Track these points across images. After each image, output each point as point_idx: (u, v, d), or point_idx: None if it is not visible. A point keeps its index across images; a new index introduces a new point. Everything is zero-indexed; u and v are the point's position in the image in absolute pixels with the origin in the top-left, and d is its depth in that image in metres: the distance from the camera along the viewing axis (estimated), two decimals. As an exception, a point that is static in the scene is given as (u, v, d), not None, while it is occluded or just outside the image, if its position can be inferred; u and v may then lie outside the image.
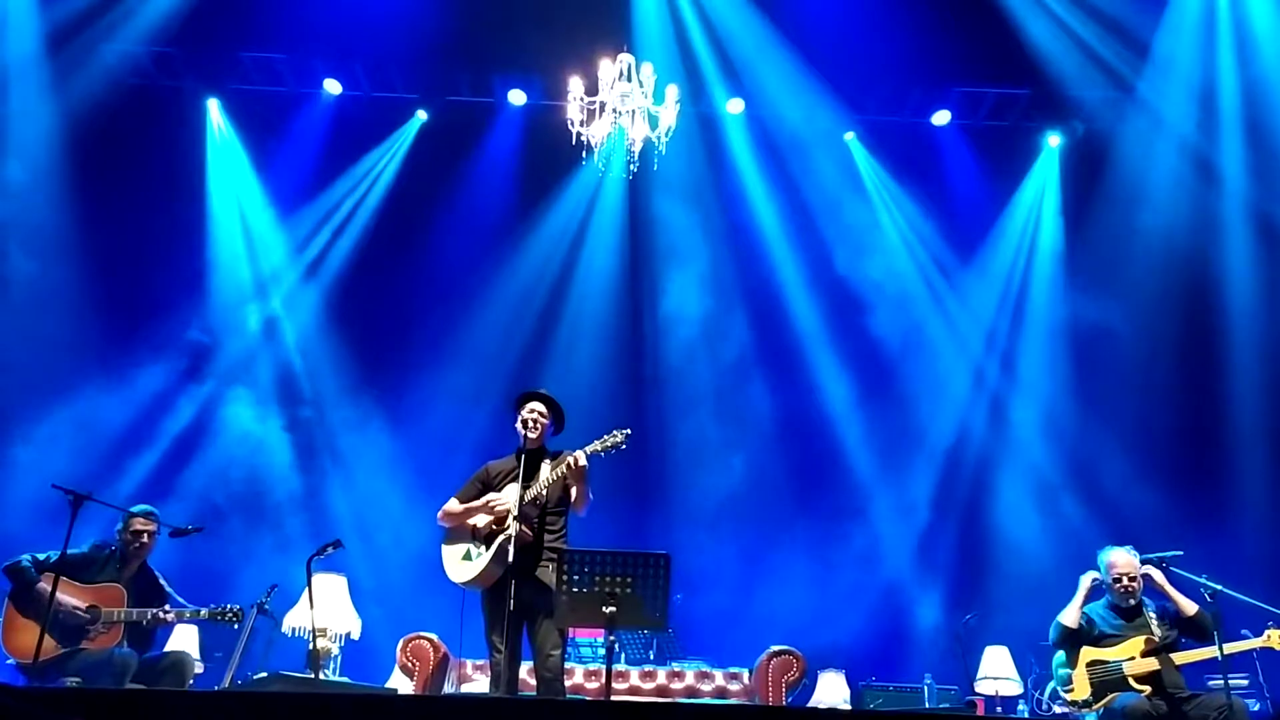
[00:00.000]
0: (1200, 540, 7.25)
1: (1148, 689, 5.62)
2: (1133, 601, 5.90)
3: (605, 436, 5.40)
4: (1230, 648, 5.62)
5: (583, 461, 5.35)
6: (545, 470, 5.50)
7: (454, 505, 5.63)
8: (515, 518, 5.28)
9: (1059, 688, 5.97)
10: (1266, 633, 5.66)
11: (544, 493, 5.44)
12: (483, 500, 5.55)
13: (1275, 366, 9.19)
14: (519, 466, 5.46)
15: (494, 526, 5.44)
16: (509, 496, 5.45)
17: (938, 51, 9.19)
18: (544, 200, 10.14)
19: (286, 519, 9.33)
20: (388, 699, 5.25)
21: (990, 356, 10.06)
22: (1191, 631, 5.80)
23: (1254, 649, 5.82)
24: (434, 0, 8.97)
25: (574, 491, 5.48)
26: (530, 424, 5.58)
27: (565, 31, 8.59)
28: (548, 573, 5.34)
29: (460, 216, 9.94)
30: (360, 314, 9.97)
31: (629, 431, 5.39)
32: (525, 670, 5.64)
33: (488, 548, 5.41)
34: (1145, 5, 9.07)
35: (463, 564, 5.48)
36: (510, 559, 5.21)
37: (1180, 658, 5.74)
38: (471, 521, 5.51)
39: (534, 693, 5.52)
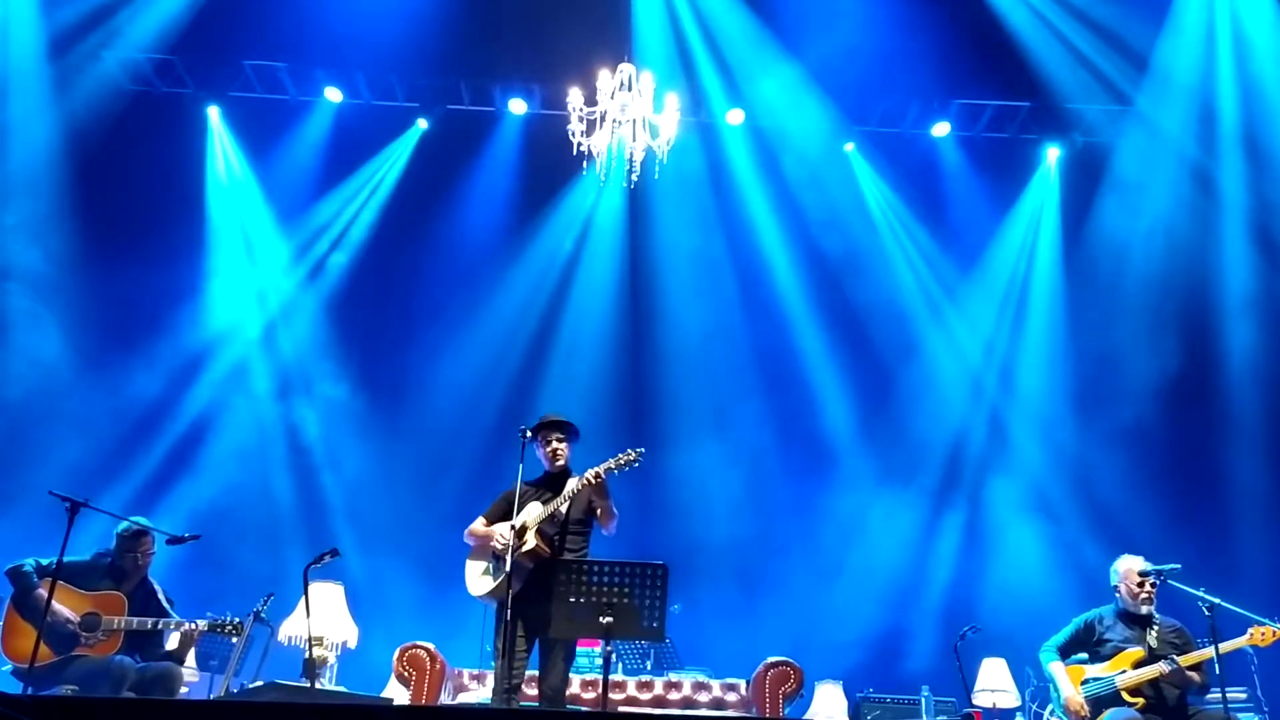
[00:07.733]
0: (1198, 553, 7.24)
1: (1140, 701, 5.59)
2: (1145, 610, 5.82)
3: (619, 455, 5.42)
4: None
5: (600, 476, 5.38)
6: (566, 489, 5.58)
7: (479, 525, 5.70)
8: (535, 532, 5.35)
9: (1058, 708, 5.91)
10: (1250, 630, 5.60)
11: (563, 509, 5.49)
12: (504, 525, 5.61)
13: (1273, 380, 9.20)
14: (544, 489, 5.59)
15: (514, 542, 5.47)
16: (529, 514, 5.52)
17: (937, 64, 9.23)
18: (544, 209, 10.16)
19: (283, 527, 9.32)
20: (383, 709, 5.23)
21: (989, 367, 10.07)
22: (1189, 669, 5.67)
23: (1243, 648, 5.74)
24: (435, 9, 9.00)
25: (598, 509, 5.54)
26: (558, 454, 5.69)
27: (566, 41, 8.62)
28: None
29: (460, 225, 9.97)
30: (359, 322, 9.98)
31: (643, 450, 5.40)
32: (528, 681, 5.65)
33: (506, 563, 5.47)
34: (1145, 19, 9.11)
35: (482, 578, 5.57)
36: (529, 571, 5.26)
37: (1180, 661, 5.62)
38: (493, 543, 5.59)
39: (535, 703, 5.52)
